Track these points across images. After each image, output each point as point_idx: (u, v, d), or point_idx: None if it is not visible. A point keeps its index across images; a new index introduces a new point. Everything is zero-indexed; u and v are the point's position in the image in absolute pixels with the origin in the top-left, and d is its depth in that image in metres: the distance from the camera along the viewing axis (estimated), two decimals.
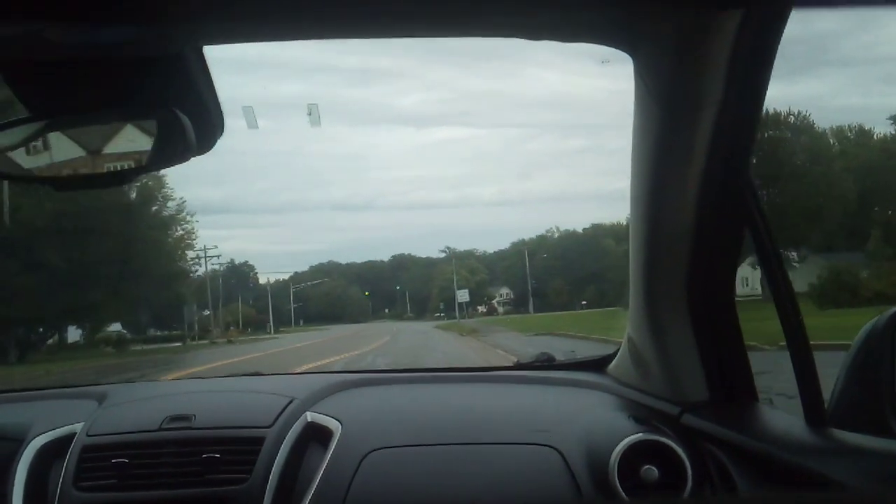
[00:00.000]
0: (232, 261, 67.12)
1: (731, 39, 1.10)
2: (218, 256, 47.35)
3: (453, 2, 0.95)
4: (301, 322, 67.99)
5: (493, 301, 67.30)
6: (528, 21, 1.08)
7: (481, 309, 63.78)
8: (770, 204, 26.78)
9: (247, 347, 27.57)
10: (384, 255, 78.35)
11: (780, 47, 1.12)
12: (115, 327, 38.35)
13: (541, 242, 70.99)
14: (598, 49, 1.20)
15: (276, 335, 45.68)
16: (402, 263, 79.95)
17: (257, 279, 71.31)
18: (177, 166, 1.04)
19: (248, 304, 58.84)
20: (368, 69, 78.84)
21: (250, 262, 71.39)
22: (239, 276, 66.30)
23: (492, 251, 72.73)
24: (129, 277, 28.22)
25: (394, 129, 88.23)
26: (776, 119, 28.82)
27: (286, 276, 76.21)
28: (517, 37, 1.12)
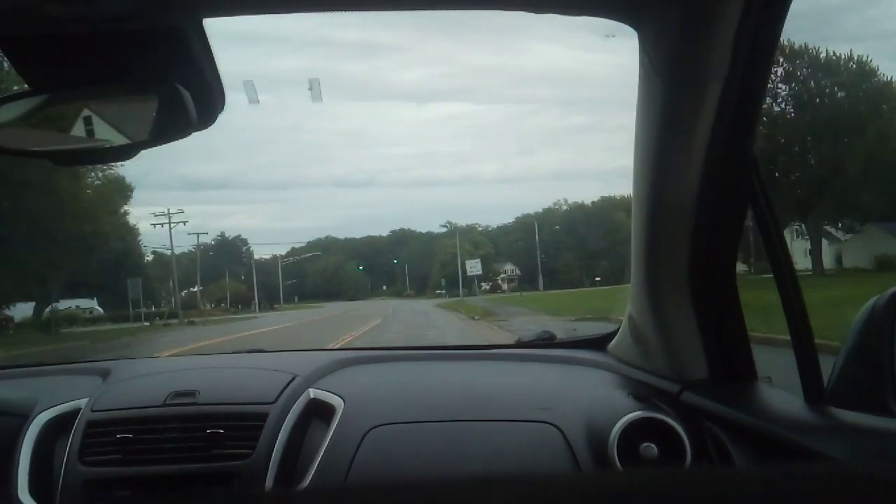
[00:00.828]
0: (222, 234, 65.71)
1: (737, 13, 1.09)
2: (184, 223, 45.21)
3: None
4: (296, 299, 65.06)
5: (498, 278, 62.20)
6: None
7: (485, 286, 59.24)
8: (824, 162, 24.49)
9: (209, 330, 23.40)
10: (383, 231, 76.34)
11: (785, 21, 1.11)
12: (90, 304, 35.87)
13: (547, 216, 65.40)
14: (602, 23, 1.19)
15: (259, 314, 41.93)
16: (402, 238, 76.68)
17: (251, 254, 67.95)
18: (174, 142, 1.03)
19: (239, 280, 56.76)
20: (369, 43, 78.11)
21: (243, 236, 69.66)
22: (231, 250, 63.54)
23: (495, 226, 68.76)
24: (23, 239, 21.72)
25: (395, 105, 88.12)
26: (835, 65, 25.70)
27: (283, 252, 74.38)
28: (521, 10, 1.11)
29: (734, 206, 1.35)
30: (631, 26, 1.21)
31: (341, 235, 75.78)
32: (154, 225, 39.70)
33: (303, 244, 75.31)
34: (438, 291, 60.30)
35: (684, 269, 1.44)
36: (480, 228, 70.25)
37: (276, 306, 54.94)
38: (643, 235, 1.48)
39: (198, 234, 51.03)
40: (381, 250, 75.88)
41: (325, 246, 75.30)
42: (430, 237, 73.28)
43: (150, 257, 49.91)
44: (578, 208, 64.99)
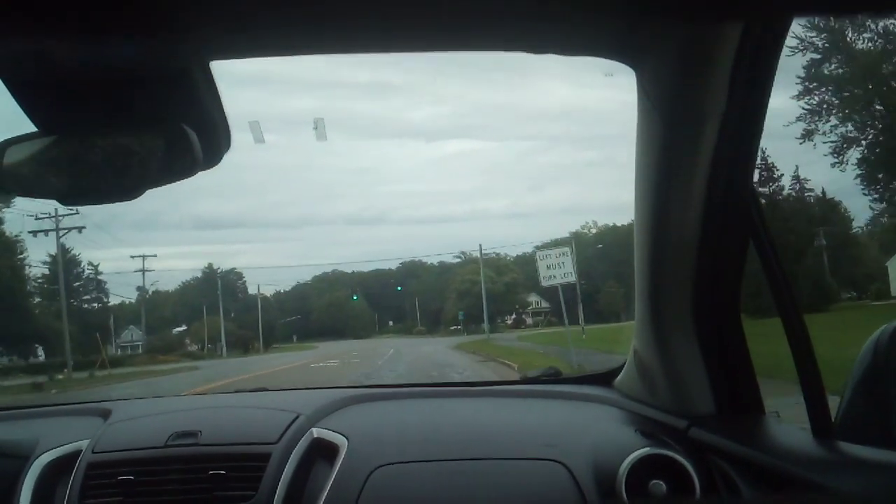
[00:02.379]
0: (210, 266, 57.89)
1: (732, 52, 1.11)
2: (79, 230, 32.81)
3: (458, 17, 0.94)
4: (294, 338, 59.34)
5: (528, 310, 54.37)
6: (532, 35, 1.10)
7: (507, 320, 53.70)
8: None
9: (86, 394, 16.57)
10: (392, 263, 71.41)
11: (781, 57, 1.13)
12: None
13: (576, 241, 53.45)
14: (602, 62, 1.21)
15: (216, 361, 35.08)
16: (413, 270, 69.56)
17: (246, 289, 61.66)
18: (186, 181, 1.04)
19: (228, 318, 49.93)
20: (380, 83, 78.03)
21: (238, 270, 62.00)
22: (222, 285, 54.70)
23: (513, 256, 59.76)
24: None
25: (405, 143, 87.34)
26: None
27: (287, 288, 69.22)
28: (521, 51, 1.13)
29: (735, 241, 1.36)
30: (629, 66, 1.23)
31: (349, 269, 73.78)
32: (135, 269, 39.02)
33: (308, 280, 71.22)
34: (453, 328, 52.81)
35: (688, 303, 1.44)
36: (496, 256, 60.06)
37: (276, 346, 50.85)
38: (646, 270, 1.48)
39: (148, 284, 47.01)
40: (390, 283, 72.28)
41: (332, 280, 69.63)
42: (442, 268, 66.89)
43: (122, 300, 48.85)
44: (610, 230, 54.08)
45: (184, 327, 47.13)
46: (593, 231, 57.98)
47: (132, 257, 42.16)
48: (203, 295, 51.79)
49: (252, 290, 60.50)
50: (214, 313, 47.86)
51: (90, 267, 46.19)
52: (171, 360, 35.53)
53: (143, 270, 40.79)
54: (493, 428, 1.72)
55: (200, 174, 1.02)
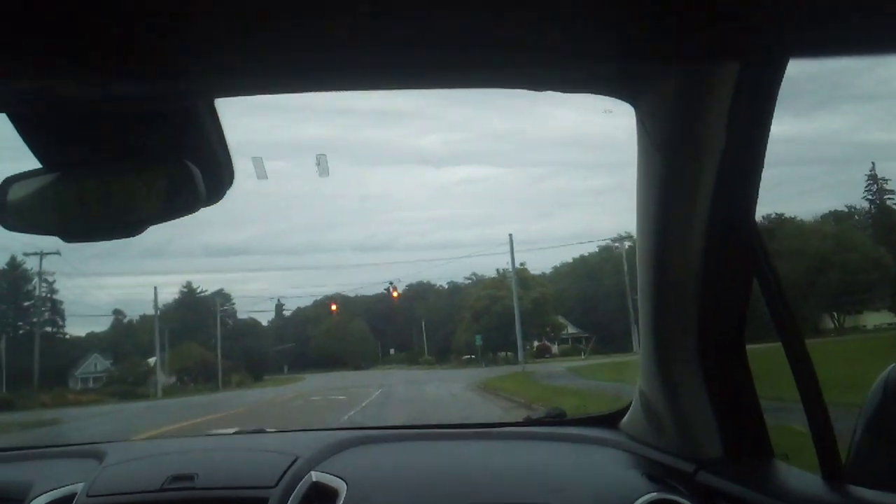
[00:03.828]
0: (189, 286, 50.70)
1: (730, 89, 1.12)
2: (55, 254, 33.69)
3: (458, 55, 0.97)
4: (285, 369, 53.61)
5: (563, 333, 44.82)
6: (531, 73, 1.11)
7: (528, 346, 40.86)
8: None
9: None
10: (399, 287, 70.63)
11: (782, 92, 1.13)
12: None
13: (606, 257, 45.80)
14: (602, 98, 1.22)
15: (158, 399, 30.58)
16: (420, 293, 63.29)
17: (234, 313, 54.67)
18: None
19: (208, 346, 43.71)
20: (387, 111, 76.89)
21: (226, 291, 54.51)
22: (204, 309, 49.28)
23: (535, 273, 49.27)
24: None
25: (413, 170, 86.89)
26: None
27: (287, 314, 62.90)
28: (521, 88, 1.14)
29: (739, 278, 1.35)
30: (628, 103, 1.24)
31: (352, 293, 71.61)
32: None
33: (309, 304, 64.56)
34: (466, 357, 43.74)
35: (693, 343, 1.43)
36: (521, 267, 45.60)
37: (265, 378, 44.80)
38: (650, 310, 1.47)
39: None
40: (394, 307, 70.08)
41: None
42: (453, 289, 60.67)
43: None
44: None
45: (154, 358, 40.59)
46: (626, 246, 40.59)
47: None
48: (177, 319, 45.59)
49: (243, 315, 55.12)
50: (197, 338, 42.73)
51: (45, 284, 40.90)
52: (84, 399, 29.78)
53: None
54: (494, 472, 1.69)
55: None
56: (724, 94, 1.13)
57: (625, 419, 1.83)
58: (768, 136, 1.18)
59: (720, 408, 1.46)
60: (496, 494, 1.57)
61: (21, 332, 40.13)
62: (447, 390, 19.41)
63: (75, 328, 59.37)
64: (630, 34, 0.77)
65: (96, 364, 41.77)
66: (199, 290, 50.28)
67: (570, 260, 52.11)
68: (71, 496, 1.62)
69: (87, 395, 32.11)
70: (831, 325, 28.56)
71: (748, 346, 1.43)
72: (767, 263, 1.28)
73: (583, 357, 36.47)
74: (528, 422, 2.11)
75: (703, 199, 1.26)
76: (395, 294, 27.09)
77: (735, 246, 1.30)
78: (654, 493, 1.42)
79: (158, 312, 40.70)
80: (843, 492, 1.19)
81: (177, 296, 51.00)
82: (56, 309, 41.45)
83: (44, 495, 1.64)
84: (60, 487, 1.66)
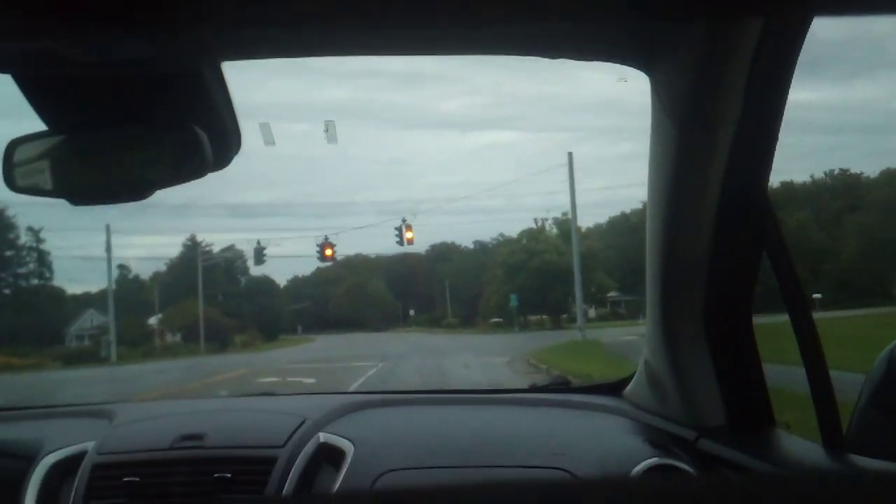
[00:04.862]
0: (191, 238, 46.21)
1: (747, 57, 1.09)
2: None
3: (473, 22, 0.95)
4: (299, 329, 50.73)
5: (610, 296, 39.74)
6: (545, 41, 1.11)
7: (591, 312, 36.29)
8: None
9: None
10: (421, 247, 62.01)
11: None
12: None
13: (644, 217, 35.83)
14: (617, 67, 1.20)
15: (114, 365, 26.52)
16: (444, 254, 59.69)
17: (247, 270, 50.20)
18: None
19: (215, 303, 40.63)
20: (414, 73, 76.30)
21: (237, 247, 49.16)
22: (214, 265, 45.36)
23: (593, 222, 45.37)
24: None
25: (439, 134, 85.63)
26: None
27: (307, 273, 60.79)
28: (536, 55, 1.14)
29: (749, 250, 1.35)
30: (643, 71, 1.23)
31: (370, 251, 64.25)
32: None
33: (328, 263, 64.56)
34: (495, 320, 38.22)
35: (700, 314, 1.44)
36: (563, 217, 39.08)
37: (282, 337, 42.77)
38: (658, 280, 1.47)
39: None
40: (417, 269, 63.18)
41: (353, 265, 60.03)
42: (479, 248, 55.60)
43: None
44: None
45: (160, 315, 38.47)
46: None
47: None
48: (186, 276, 41.58)
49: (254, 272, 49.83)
50: (203, 296, 37.90)
51: (29, 233, 37.79)
52: (18, 365, 24.31)
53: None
54: (500, 435, 1.73)
55: (234, 162, 1.03)
56: (741, 60, 1.11)
57: (629, 387, 1.85)
58: (784, 107, 1.16)
59: (724, 377, 1.47)
60: (500, 457, 1.61)
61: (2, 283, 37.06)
62: (482, 369, 13.36)
63: (86, 286, 55.98)
64: None
65: (92, 320, 39.29)
66: (203, 245, 46.04)
67: (606, 220, 45.16)
68: (81, 454, 1.67)
69: (27, 358, 26.72)
70: None
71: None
72: (778, 235, 1.28)
73: (641, 322, 29.22)
74: (534, 388, 2.13)
75: (715, 170, 1.25)
76: (409, 235, 21.75)
77: (746, 218, 1.30)
78: (656, 459, 1.46)
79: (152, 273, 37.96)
80: (844, 461, 1.20)
81: (181, 250, 47.06)
82: (43, 260, 38.25)
83: (54, 452, 1.69)
84: (71, 445, 1.71)
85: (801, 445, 1.33)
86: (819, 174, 41.43)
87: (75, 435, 1.75)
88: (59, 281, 40.22)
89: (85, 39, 0.84)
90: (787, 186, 37.69)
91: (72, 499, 1.58)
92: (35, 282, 38.17)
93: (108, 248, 32.55)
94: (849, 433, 1.26)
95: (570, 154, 25.80)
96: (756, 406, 1.46)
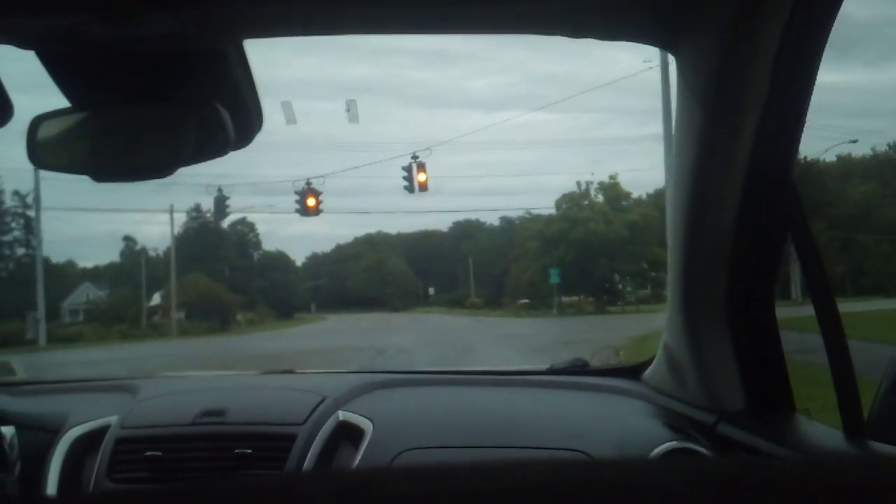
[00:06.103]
0: (197, 207, 42.61)
1: (776, 39, 1.07)
2: None
3: (498, 1, 0.96)
4: (313, 307, 49.39)
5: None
6: (570, 19, 1.10)
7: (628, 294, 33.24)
8: None
9: None
10: (444, 225, 61.01)
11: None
12: None
13: None
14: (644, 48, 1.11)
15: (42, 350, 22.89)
16: (467, 231, 57.54)
17: (259, 243, 48.69)
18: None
19: (221, 277, 38.35)
20: (441, 52, 76.08)
21: (249, 220, 46.94)
22: (216, 237, 43.12)
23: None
24: None
25: (464, 114, 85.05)
26: None
27: (327, 250, 61.25)
28: (560, 35, 1.13)
29: (773, 234, 1.34)
30: (670, 52, 1.22)
31: (391, 228, 62.72)
32: None
33: (349, 240, 60.57)
34: (524, 301, 34.33)
35: (722, 298, 1.42)
36: (610, 182, 36.04)
37: (297, 316, 41.77)
38: (680, 263, 1.47)
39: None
40: (440, 248, 57.85)
41: (374, 242, 58.95)
42: (506, 225, 52.09)
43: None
44: None
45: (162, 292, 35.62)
46: None
47: None
48: (193, 249, 39.49)
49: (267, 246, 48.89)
50: (205, 270, 35.93)
51: (15, 197, 34.69)
52: None
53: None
54: (518, 416, 1.74)
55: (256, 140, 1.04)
56: (770, 44, 1.08)
57: (648, 371, 1.86)
58: (812, 88, 1.15)
59: (744, 362, 1.46)
60: (518, 437, 1.62)
61: None
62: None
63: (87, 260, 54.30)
64: None
65: (88, 294, 37.93)
66: (208, 212, 41.17)
67: (645, 196, 39.44)
68: (105, 427, 1.69)
69: None
70: None
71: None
72: (803, 220, 1.27)
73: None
74: (552, 371, 2.12)
75: (741, 153, 1.23)
76: (421, 178, 16.93)
77: (771, 203, 1.28)
78: (674, 442, 1.46)
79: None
80: (865, 447, 1.20)
81: (186, 220, 43.76)
82: (30, 227, 33.60)
83: (78, 426, 1.72)
84: (95, 419, 1.74)
85: (820, 431, 1.33)
86: (882, 147, 39.04)
87: (99, 409, 1.78)
88: (49, 252, 37.14)
89: (107, 16, 0.84)
90: (845, 161, 36.54)
91: (95, 472, 1.60)
92: (22, 251, 35.33)
93: (37, 198, 28.88)
94: (869, 420, 1.26)
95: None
96: (776, 391, 1.45)
